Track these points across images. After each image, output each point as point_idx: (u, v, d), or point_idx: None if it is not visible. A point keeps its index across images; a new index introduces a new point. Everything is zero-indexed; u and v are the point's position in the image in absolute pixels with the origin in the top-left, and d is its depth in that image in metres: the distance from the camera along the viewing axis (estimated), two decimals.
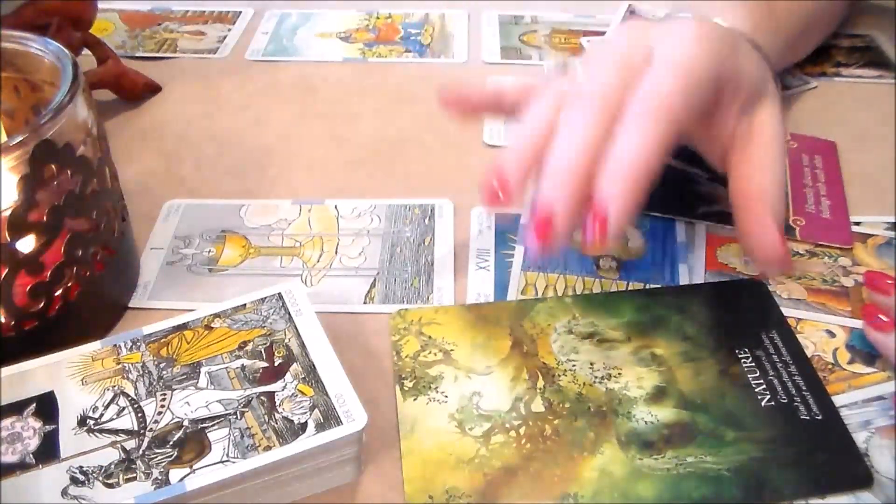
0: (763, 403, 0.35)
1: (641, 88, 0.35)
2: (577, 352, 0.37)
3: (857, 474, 0.33)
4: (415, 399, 0.35)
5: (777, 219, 0.37)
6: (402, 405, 0.35)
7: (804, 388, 0.36)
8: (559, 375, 0.36)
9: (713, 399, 0.35)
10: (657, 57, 0.36)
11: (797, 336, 0.38)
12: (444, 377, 0.36)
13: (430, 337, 0.38)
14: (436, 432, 0.34)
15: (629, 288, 0.41)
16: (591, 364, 0.37)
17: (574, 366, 0.37)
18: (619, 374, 0.36)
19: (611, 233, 0.33)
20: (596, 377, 0.36)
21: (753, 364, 0.37)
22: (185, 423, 0.32)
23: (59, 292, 0.36)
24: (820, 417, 0.35)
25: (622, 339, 0.38)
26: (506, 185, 0.35)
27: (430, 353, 0.38)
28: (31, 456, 0.31)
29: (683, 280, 0.42)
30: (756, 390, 0.36)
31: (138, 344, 0.35)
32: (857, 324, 0.39)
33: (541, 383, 0.36)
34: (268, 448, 0.31)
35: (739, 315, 0.39)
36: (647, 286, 0.41)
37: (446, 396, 0.36)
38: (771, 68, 0.45)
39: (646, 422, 0.34)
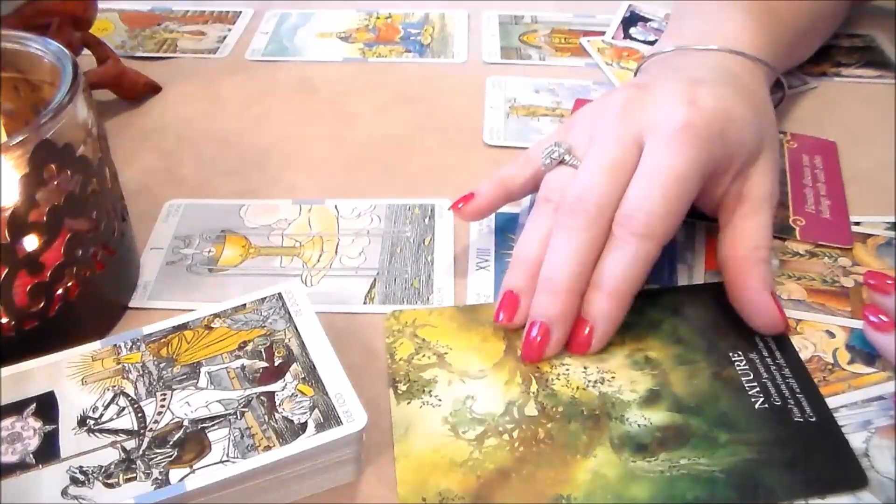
0: (757, 406, 0.35)
1: (626, 203, 0.37)
2: (570, 355, 0.37)
3: (852, 475, 0.33)
4: (408, 403, 0.35)
5: (767, 283, 0.38)
6: (395, 409, 0.35)
7: (798, 390, 0.36)
8: (552, 379, 0.36)
9: (707, 402, 0.35)
10: (645, 156, 0.38)
11: (792, 336, 0.38)
12: (438, 381, 0.36)
13: (424, 339, 0.38)
14: (429, 435, 0.34)
15: None
16: (585, 368, 0.37)
17: (567, 369, 0.37)
18: (613, 377, 0.36)
19: (595, 349, 0.37)
20: (589, 381, 0.36)
21: (747, 367, 0.37)
22: (185, 423, 0.32)
23: (59, 292, 0.36)
24: (814, 419, 0.35)
25: (615, 343, 0.38)
26: (517, 302, 0.38)
27: (423, 356, 0.37)
28: (31, 456, 0.31)
29: (682, 280, 0.42)
30: (750, 393, 0.36)
31: (138, 344, 0.35)
32: (857, 324, 0.39)
33: (534, 387, 0.36)
34: (268, 448, 0.31)
35: (733, 317, 0.39)
36: (645, 287, 0.41)
37: (440, 400, 0.36)
38: (767, 79, 0.45)
39: (639, 425, 0.34)
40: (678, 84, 0.41)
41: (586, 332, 0.37)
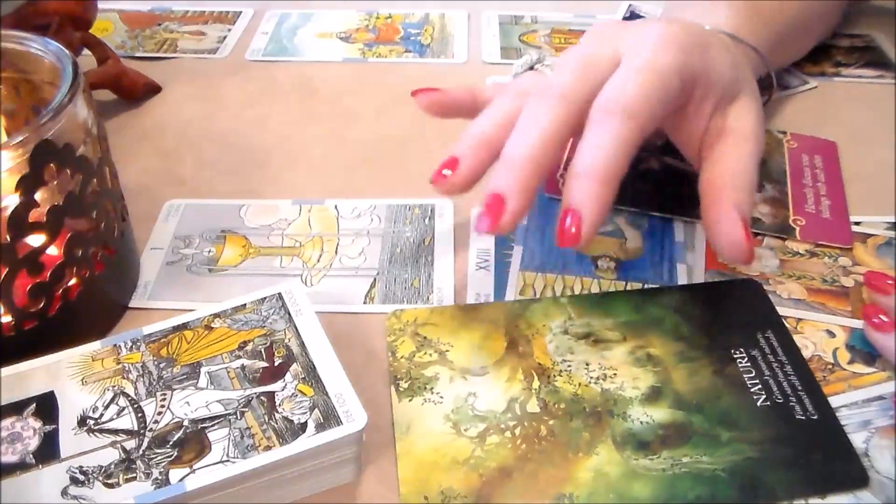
0: (759, 403, 0.35)
1: (605, 89, 0.36)
2: (572, 352, 0.37)
3: (853, 474, 0.33)
4: (410, 400, 0.35)
5: (742, 211, 0.37)
6: (397, 406, 0.35)
7: (800, 387, 0.36)
8: (554, 376, 0.36)
9: (709, 399, 0.35)
10: (623, 60, 0.37)
11: (793, 335, 0.38)
12: (440, 378, 0.36)
13: (425, 338, 0.38)
14: (431, 433, 0.34)
15: (627, 288, 0.41)
16: (587, 364, 0.37)
17: (569, 366, 0.37)
18: (615, 374, 0.36)
19: (586, 235, 0.34)
20: (591, 378, 0.36)
21: (749, 364, 0.37)
22: (185, 423, 0.32)
23: (59, 292, 0.36)
24: (815, 417, 0.35)
25: (617, 340, 0.38)
26: (455, 165, 0.36)
27: (425, 353, 0.37)
28: (31, 456, 0.31)
29: (682, 280, 0.42)
30: (752, 390, 0.36)
31: (138, 344, 0.35)
32: (858, 324, 0.39)
33: (536, 384, 0.36)
34: (268, 448, 0.31)
35: (735, 315, 0.39)
36: (646, 286, 0.41)
37: (441, 397, 0.36)
38: (754, 68, 0.45)
39: (641, 422, 0.34)
40: (655, 20, 0.40)
41: (572, 219, 0.34)
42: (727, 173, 0.38)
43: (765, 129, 0.40)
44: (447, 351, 0.38)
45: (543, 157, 0.35)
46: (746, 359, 0.37)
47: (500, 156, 0.36)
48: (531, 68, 0.39)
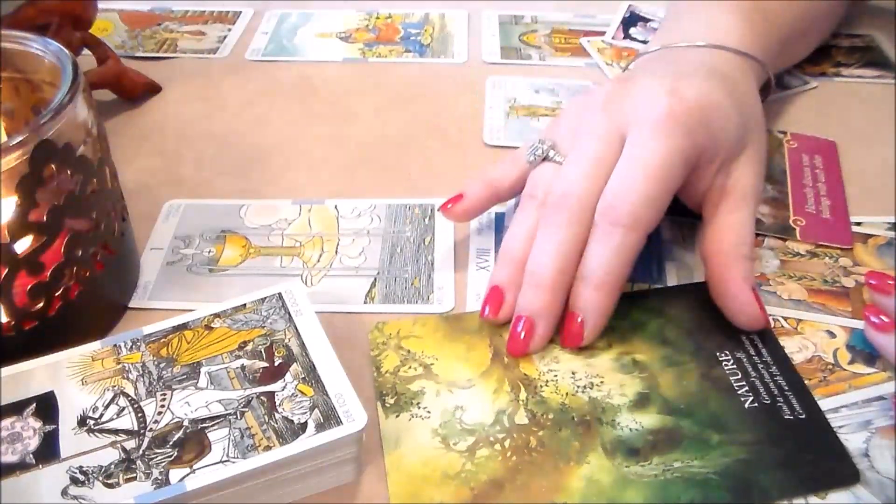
0: (746, 405, 0.35)
1: (608, 193, 0.37)
2: (557, 361, 0.37)
3: (844, 472, 0.33)
4: (397, 416, 0.35)
5: (751, 283, 0.38)
6: (384, 423, 0.35)
7: (786, 387, 0.36)
8: (541, 386, 0.36)
9: (697, 403, 0.35)
10: (628, 147, 0.38)
11: (791, 338, 0.38)
12: (426, 392, 0.36)
13: (409, 351, 0.38)
14: (420, 448, 0.34)
15: None
16: (573, 373, 0.37)
17: (556, 375, 0.37)
18: (602, 382, 0.36)
19: (588, 339, 0.37)
20: (578, 386, 0.36)
21: (735, 366, 0.37)
22: (185, 423, 0.32)
23: (59, 292, 0.36)
24: (803, 416, 0.35)
25: (602, 347, 0.38)
26: (502, 297, 0.39)
27: (409, 367, 0.37)
28: (31, 456, 0.31)
29: (671, 278, 0.42)
30: (739, 392, 0.36)
31: (138, 344, 0.35)
32: (858, 324, 0.39)
33: (523, 395, 0.36)
34: (268, 448, 0.31)
35: (719, 317, 0.39)
36: (634, 286, 0.41)
37: (429, 412, 0.35)
38: (757, 78, 0.45)
39: (630, 429, 0.34)
40: (660, 77, 0.41)
41: (577, 323, 0.37)
42: (730, 242, 0.39)
43: (763, 185, 0.42)
44: (432, 364, 0.37)
45: (566, 272, 0.37)
46: (732, 361, 0.37)
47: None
48: (545, 159, 0.41)
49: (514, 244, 0.39)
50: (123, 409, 0.32)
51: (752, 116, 0.43)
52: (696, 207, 0.41)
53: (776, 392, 0.36)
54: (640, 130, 0.38)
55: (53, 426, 0.32)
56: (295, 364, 0.34)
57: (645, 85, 0.40)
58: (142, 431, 0.31)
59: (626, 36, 0.62)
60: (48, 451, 0.31)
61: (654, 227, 0.37)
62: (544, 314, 0.37)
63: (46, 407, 0.32)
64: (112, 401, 0.32)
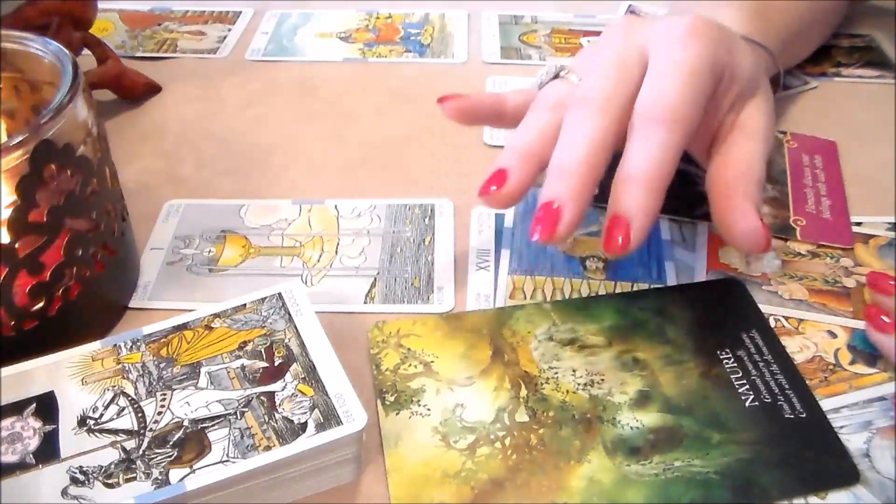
0: (747, 404, 0.35)
1: (645, 94, 0.35)
2: (558, 359, 0.37)
3: (844, 471, 0.33)
4: (397, 414, 0.35)
5: (755, 203, 0.36)
6: (384, 421, 0.35)
7: (787, 386, 0.36)
8: (542, 384, 0.36)
9: (697, 402, 0.35)
10: (655, 57, 0.37)
11: (792, 338, 0.38)
12: (426, 390, 0.36)
13: (409, 349, 0.38)
14: (420, 447, 0.34)
15: (616, 288, 0.41)
16: (574, 371, 0.37)
17: (556, 373, 0.37)
18: (602, 380, 0.36)
19: (633, 245, 0.34)
20: (579, 384, 0.36)
21: (735, 365, 0.37)
22: (185, 423, 0.32)
23: (59, 292, 0.36)
24: (804, 415, 0.35)
25: (603, 345, 0.38)
26: (503, 179, 0.36)
27: (409, 365, 0.37)
28: (31, 456, 0.31)
29: (671, 278, 0.42)
30: (739, 391, 0.36)
31: (138, 344, 0.35)
32: (859, 324, 0.39)
33: (524, 392, 0.36)
34: (268, 448, 0.31)
35: (719, 315, 0.39)
36: (635, 286, 0.41)
37: (429, 410, 0.35)
38: (766, 68, 0.45)
39: (631, 427, 0.34)
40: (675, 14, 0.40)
41: (624, 224, 0.34)
42: (737, 170, 0.37)
43: (775, 130, 0.40)
44: (432, 362, 0.37)
45: (595, 166, 0.35)
46: (732, 359, 0.37)
47: (547, 167, 0.35)
48: (556, 76, 0.38)
49: (523, 135, 0.36)
50: (123, 409, 0.32)
51: (762, 69, 0.42)
52: (704, 153, 0.40)
53: (777, 391, 0.36)
54: (664, 44, 0.37)
55: (53, 426, 0.32)
56: (295, 364, 0.34)
57: (661, 17, 0.39)
58: (142, 431, 0.31)
59: None
60: (48, 451, 0.31)
61: (695, 128, 0.35)
62: (571, 199, 0.34)
63: (46, 407, 0.32)
64: (112, 401, 0.32)
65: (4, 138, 0.36)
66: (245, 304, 0.36)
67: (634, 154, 0.34)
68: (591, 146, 0.35)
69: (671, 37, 0.37)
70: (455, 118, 0.41)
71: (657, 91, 0.35)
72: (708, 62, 0.36)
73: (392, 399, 0.36)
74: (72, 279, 0.36)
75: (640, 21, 0.40)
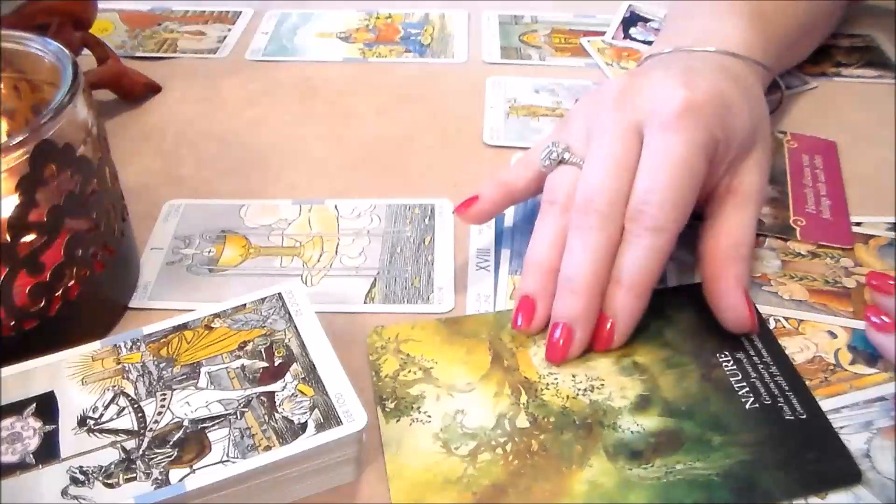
0: (747, 406, 0.35)
1: (637, 194, 0.37)
2: (557, 364, 0.37)
3: (846, 471, 0.33)
4: (398, 420, 0.35)
5: (744, 285, 0.38)
6: (384, 428, 0.35)
7: (786, 388, 0.36)
8: (542, 389, 0.36)
9: (698, 405, 0.35)
10: (648, 146, 0.38)
11: (792, 338, 0.38)
12: (426, 396, 0.36)
13: (408, 354, 0.38)
14: (421, 453, 0.34)
15: None
16: (573, 376, 0.37)
17: (556, 378, 0.36)
18: (602, 384, 0.36)
19: (618, 342, 0.37)
20: (579, 389, 0.36)
21: (735, 367, 0.37)
22: (185, 423, 0.32)
23: (59, 292, 0.36)
24: (804, 416, 0.35)
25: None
26: (533, 306, 0.38)
27: (409, 371, 0.37)
28: (31, 456, 0.31)
29: (671, 278, 0.42)
30: (739, 393, 0.36)
31: (138, 344, 0.35)
32: (859, 325, 0.39)
33: (524, 398, 0.36)
34: (268, 448, 0.31)
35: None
36: None
37: (429, 416, 0.35)
38: (762, 82, 0.45)
39: (632, 431, 0.34)
40: (672, 70, 0.40)
41: (608, 327, 0.37)
42: (729, 242, 0.39)
43: (767, 191, 0.42)
44: (432, 368, 0.37)
45: (601, 275, 0.37)
46: (732, 362, 0.37)
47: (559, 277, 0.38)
48: (560, 162, 0.40)
49: (540, 251, 0.39)
50: (123, 409, 0.32)
51: (760, 118, 0.43)
52: (699, 208, 0.41)
53: (777, 392, 0.36)
54: (658, 126, 0.38)
55: (53, 426, 0.31)
56: (295, 364, 0.34)
57: (657, 78, 0.40)
58: (142, 431, 0.31)
59: (626, 36, 0.63)
60: (48, 451, 0.31)
61: (684, 224, 0.37)
62: (582, 320, 0.37)
63: (46, 407, 0.32)
64: (112, 401, 0.32)
65: (4, 138, 0.36)
66: (245, 304, 0.36)
67: (625, 259, 0.37)
68: (595, 261, 0.37)
69: (665, 118, 0.38)
70: (473, 223, 0.44)
71: (646, 195, 0.37)
72: (701, 145, 0.37)
73: (392, 406, 0.35)
74: (72, 279, 0.36)
75: (635, 86, 0.40)
